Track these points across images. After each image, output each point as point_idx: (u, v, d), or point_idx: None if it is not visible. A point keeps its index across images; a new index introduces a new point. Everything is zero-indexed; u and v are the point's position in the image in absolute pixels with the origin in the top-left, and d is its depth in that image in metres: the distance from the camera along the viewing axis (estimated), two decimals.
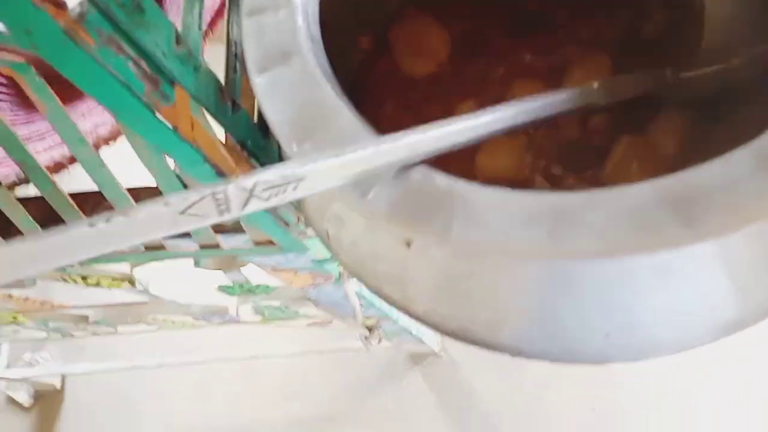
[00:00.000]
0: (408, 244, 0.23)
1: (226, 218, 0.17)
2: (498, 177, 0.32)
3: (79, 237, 0.16)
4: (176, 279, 0.60)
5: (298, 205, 0.35)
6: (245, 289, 0.59)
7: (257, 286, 0.59)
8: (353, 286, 0.61)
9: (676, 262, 0.21)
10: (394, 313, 0.83)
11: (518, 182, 0.32)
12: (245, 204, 0.17)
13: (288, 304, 0.70)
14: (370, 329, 0.81)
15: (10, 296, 0.56)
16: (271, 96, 0.20)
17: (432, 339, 1.04)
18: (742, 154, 0.18)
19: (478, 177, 0.31)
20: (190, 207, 0.17)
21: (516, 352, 0.24)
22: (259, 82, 0.21)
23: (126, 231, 0.17)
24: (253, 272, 0.55)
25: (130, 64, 0.21)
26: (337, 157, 0.19)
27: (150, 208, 0.17)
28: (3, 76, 0.49)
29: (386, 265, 0.25)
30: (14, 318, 0.63)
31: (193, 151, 0.26)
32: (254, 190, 0.17)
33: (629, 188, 0.19)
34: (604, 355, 0.24)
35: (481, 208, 0.19)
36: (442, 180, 0.20)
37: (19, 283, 0.52)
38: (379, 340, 0.83)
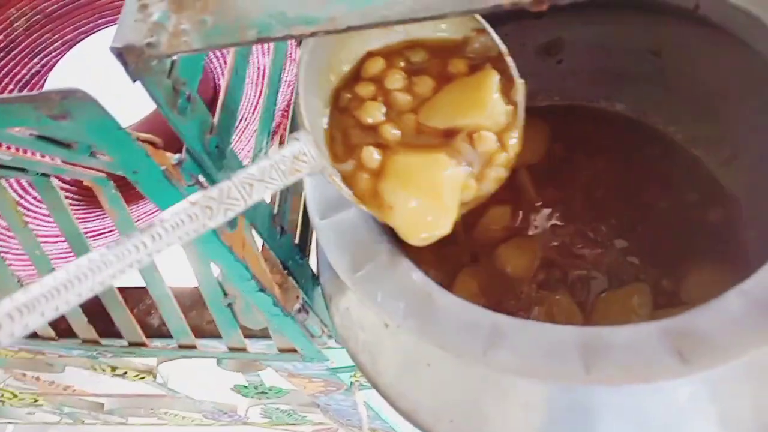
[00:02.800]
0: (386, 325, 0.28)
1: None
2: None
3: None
4: (195, 376, 0.62)
5: (324, 320, 0.39)
6: (259, 391, 0.62)
7: (270, 389, 0.62)
8: (362, 396, 0.63)
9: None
10: (399, 425, 0.83)
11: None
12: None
13: (297, 409, 0.72)
14: None
15: (37, 378, 0.59)
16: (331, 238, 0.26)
17: None
18: (733, 297, 0.22)
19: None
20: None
21: None
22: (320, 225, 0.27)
23: None
24: (268, 375, 0.58)
25: None
26: None
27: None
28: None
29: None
30: (35, 400, 0.65)
31: (244, 270, 0.30)
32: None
33: (634, 327, 0.22)
34: None
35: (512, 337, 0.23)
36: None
37: (50, 368, 0.55)
38: None
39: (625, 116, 0.44)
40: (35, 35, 0.60)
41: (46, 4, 0.60)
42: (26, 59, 0.59)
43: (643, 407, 0.25)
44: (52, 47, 0.60)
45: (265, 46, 0.52)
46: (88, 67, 0.55)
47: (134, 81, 0.20)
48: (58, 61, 0.58)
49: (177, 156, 0.23)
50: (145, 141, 0.25)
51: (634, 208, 0.41)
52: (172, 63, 0.22)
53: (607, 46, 0.41)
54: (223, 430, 0.81)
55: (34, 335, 0.45)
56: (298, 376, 0.54)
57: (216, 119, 0.25)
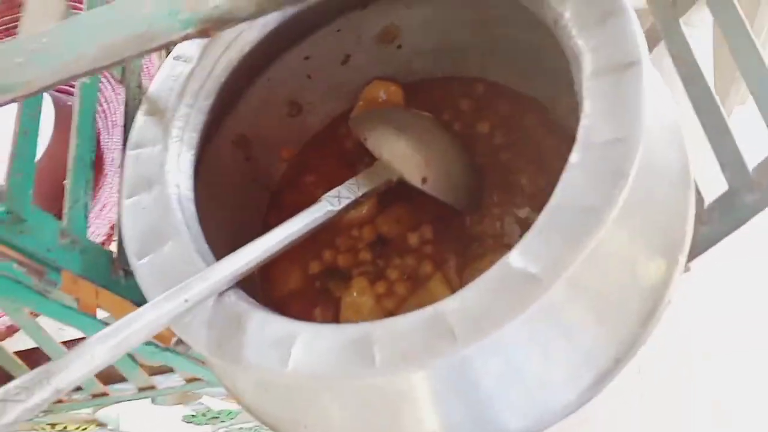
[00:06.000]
0: None
1: None
2: None
3: None
4: (143, 415, 0.63)
5: None
6: (210, 417, 0.62)
7: (220, 412, 0.62)
8: None
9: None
10: None
11: None
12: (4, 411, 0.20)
13: (260, 425, 0.72)
14: None
15: None
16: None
17: None
18: (495, 270, 0.23)
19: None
20: None
21: None
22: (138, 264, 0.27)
23: None
24: (212, 400, 0.59)
25: (15, 265, 0.26)
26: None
27: None
28: None
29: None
30: None
31: (93, 321, 0.31)
32: (8, 395, 0.21)
33: (413, 315, 0.23)
34: None
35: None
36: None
37: None
38: None
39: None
40: None
41: None
42: None
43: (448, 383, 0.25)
44: None
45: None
46: None
47: None
48: None
49: None
50: None
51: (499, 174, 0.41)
52: None
53: (438, 23, 0.42)
54: None
55: None
56: None
57: (6, 185, 0.26)
